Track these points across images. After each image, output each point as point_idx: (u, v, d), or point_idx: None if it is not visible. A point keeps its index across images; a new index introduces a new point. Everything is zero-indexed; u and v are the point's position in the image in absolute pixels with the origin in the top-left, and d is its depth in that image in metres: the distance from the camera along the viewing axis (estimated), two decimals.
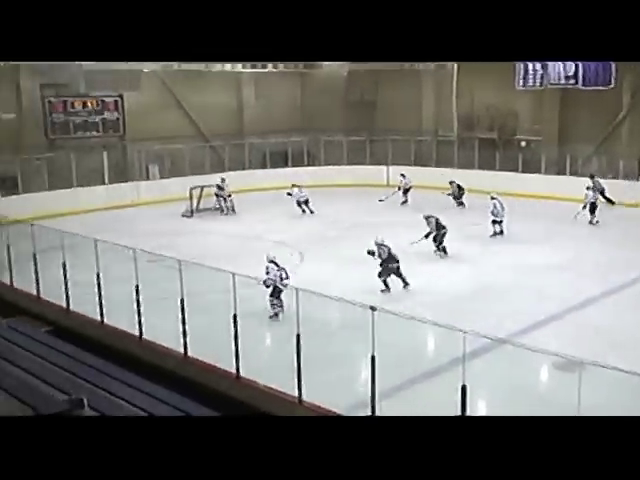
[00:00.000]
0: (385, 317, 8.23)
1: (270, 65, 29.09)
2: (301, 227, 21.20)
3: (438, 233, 17.09)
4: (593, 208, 20.81)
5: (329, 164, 29.22)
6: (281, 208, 23.46)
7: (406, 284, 14.44)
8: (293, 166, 28.94)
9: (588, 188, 21.22)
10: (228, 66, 28.50)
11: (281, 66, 29.43)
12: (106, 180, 25.58)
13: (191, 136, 28.98)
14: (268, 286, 12.65)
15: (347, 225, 21.18)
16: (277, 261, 12.97)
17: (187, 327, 10.57)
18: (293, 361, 8.99)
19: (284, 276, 12.64)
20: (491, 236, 19.26)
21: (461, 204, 23.68)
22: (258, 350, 11.58)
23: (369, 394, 8.39)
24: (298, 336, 8.93)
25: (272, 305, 12.74)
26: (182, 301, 10.60)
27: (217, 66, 27.97)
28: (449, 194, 23.65)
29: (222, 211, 23.96)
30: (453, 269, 16.35)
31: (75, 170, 24.76)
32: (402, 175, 25.28)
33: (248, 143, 29.56)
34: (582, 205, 20.82)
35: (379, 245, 14.44)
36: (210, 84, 29.37)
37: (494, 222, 19.25)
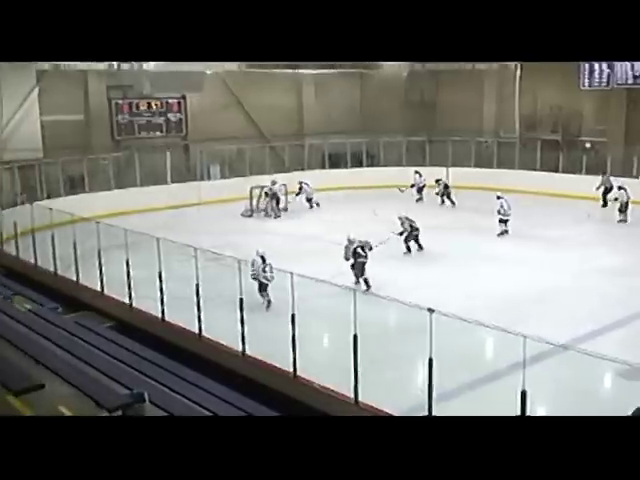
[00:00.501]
0: (443, 319, 8.09)
1: (330, 66, 29.12)
2: (360, 228, 21.06)
3: (410, 233, 17.76)
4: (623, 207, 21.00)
5: (388, 165, 29.06)
6: (340, 208, 23.38)
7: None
8: (352, 167, 28.90)
9: (620, 188, 21.07)
10: (289, 67, 28.65)
11: (341, 67, 29.42)
12: (168, 180, 26.01)
13: (252, 137, 29.24)
14: (254, 279, 13.32)
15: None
16: (266, 257, 13.59)
17: (246, 325, 10.61)
18: (350, 362, 8.92)
19: (268, 270, 13.27)
20: (499, 235, 19.62)
21: (443, 202, 24.52)
22: (315, 350, 11.57)
23: (426, 397, 8.27)
24: (355, 336, 8.88)
25: (262, 296, 13.45)
26: (241, 300, 10.66)
27: (278, 67, 28.16)
28: (436, 192, 24.50)
29: (267, 214, 23.95)
30: (511, 272, 16.08)
31: (139, 170, 25.28)
32: (417, 172, 25.78)
33: (308, 144, 29.70)
34: (617, 207, 20.89)
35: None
36: (271, 85, 29.61)
37: (501, 221, 19.65)
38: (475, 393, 9.82)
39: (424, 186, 25.46)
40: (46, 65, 23.17)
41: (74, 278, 14.73)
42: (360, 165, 29.08)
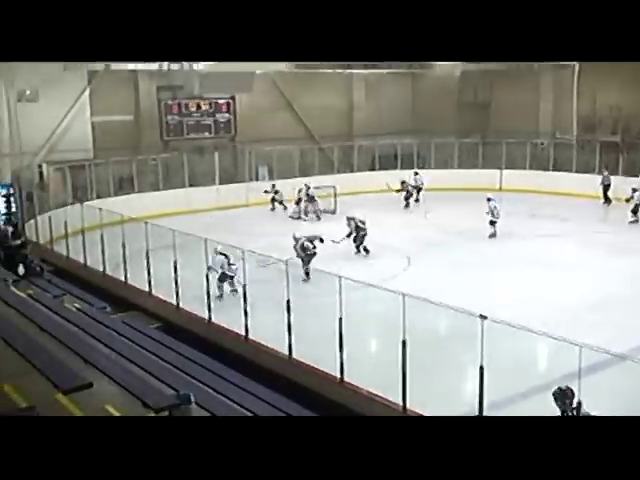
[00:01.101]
0: (495, 326, 7.87)
1: (382, 66, 28.79)
2: (409, 231, 20.79)
3: (357, 234, 17.83)
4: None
5: (440, 167, 28.61)
6: (389, 211, 23.13)
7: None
8: (402, 168, 28.56)
9: (635, 190, 20.60)
10: (339, 67, 28.45)
11: (392, 67, 29.01)
12: (217, 181, 26.05)
13: (300, 138, 29.10)
14: (216, 271, 13.89)
15: (456, 230, 20.62)
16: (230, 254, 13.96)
17: (292, 328, 10.55)
18: (398, 368, 8.79)
19: (231, 261, 13.87)
20: (490, 237, 19.50)
21: (407, 201, 24.65)
22: (363, 355, 11.40)
23: (476, 406, 8.09)
24: (404, 342, 8.74)
25: (218, 287, 14.04)
26: (288, 302, 10.57)
27: (328, 67, 27.97)
28: (398, 190, 24.45)
29: (298, 217, 23.77)
30: (568, 277, 15.57)
31: (187, 171, 25.38)
32: (416, 173, 25.67)
33: (357, 145, 29.43)
34: (631, 208, 20.55)
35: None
36: (321, 85, 29.47)
37: (491, 223, 19.55)
38: (528, 403, 9.46)
39: (421, 188, 25.45)
40: (98, 66, 23.41)
41: (122, 278, 14.89)
42: (411, 167, 28.69)
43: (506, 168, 26.98)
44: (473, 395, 8.23)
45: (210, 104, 27.37)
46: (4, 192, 21.77)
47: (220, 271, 13.99)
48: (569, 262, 16.64)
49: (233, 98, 27.61)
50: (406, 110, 31.58)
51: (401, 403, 8.80)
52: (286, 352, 10.60)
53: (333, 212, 24.33)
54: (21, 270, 14.31)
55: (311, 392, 9.69)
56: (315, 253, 15.65)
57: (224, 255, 14.04)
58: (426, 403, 8.78)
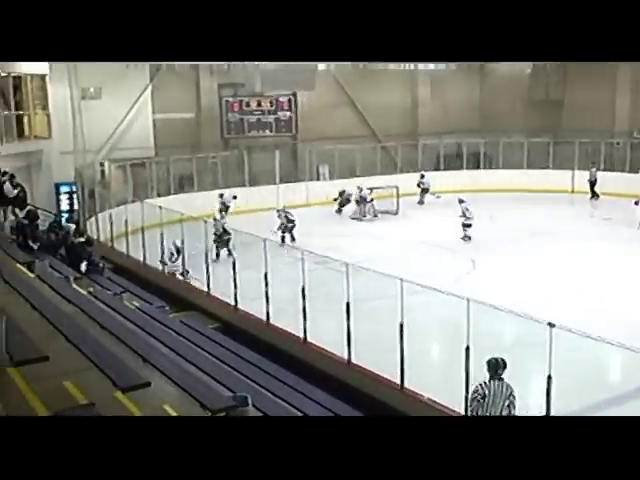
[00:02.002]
0: (565, 335, 7.58)
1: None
2: (472, 233, 20.13)
3: (287, 226, 19.51)
4: None
5: (507, 167, 27.79)
6: (453, 212, 22.55)
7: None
8: (468, 168, 27.79)
9: None
10: (404, 64, 27.86)
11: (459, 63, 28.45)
12: (277, 180, 25.81)
13: (363, 136, 28.66)
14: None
15: (522, 234, 19.91)
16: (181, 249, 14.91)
17: (352, 332, 10.29)
18: (461, 374, 8.45)
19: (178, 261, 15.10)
20: (463, 239, 19.53)
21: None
22: (423, 361, 11.09)
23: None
24: (467, 348, 8.41)
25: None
26: (348, 305, 10.30)
27: (392, 64, 27.42)
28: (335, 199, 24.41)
29: (358, 218, 23.66)
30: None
31: (248, 169, 25.17)
32: (422, 176, 25.52)
33: (421, 144, 28.87)
34: None
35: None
36: (384, 83, 28.96)
37: (464, 225, 19.62)
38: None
39: (428, 189, 25.26)
40: (160, 63, 23.46)
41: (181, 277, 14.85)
42: (477, 167, 27.85)
43: (579, 169, 26.00)
44: (540, 405, 7.95)
45: (271, 102, 27.18)
46: (67, 190, 22.06)
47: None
48: None
49: (294, 95, 27.32)
50: (473, 107, 30.78)
51: (462, 412, 8.39)
52: (345, 356, 10.34)
53: (395, 212, 24.00)
54: (83, 267, 14.30)
55: (370, 398, 9.47)
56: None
57: (177, 250, 15.04)
58: None
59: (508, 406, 7.56)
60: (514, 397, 7.60)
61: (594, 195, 25.09)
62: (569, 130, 27.25)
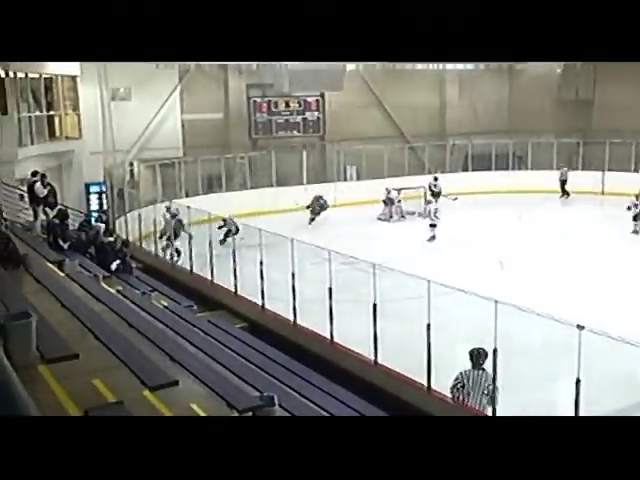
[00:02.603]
0: (595, 338, 7.41)
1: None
2: (503, 234, 19.97)
3: (233, 233, 18.23)
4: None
5: (537, 168, 27.46)
6: (482, 214, 22.43)
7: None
8: (497, 169, 27.54)
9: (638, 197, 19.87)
10: (432, 64, 27.72)
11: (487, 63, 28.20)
12: (304, 180, 25.79)
13: (391, 136, 28.50)
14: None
15: (551, 235, 19.68)
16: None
17: (379, 333, 10.19)
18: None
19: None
20: (429, 240, 19.97)
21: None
22: (451, 363, 10.81)
23: None
24: (495, 351, 8.19)
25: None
26: (374, 306, 10.22)
27: (420, 64, 27.29)
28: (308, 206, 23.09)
29: (385, 219, 23.63)
30: None
31: (275, 170, 25.23)
32: (435, 179, 25.03)
33: (450, 144, 28.65)
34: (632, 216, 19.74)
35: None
36: (412, 83, 28.87)
37: (431, 225, 20.17)
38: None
39: (440, 192, 24.65)
40: (189, 63, 23.59)
41: (209, 277, 14.81)
42: (506, 168, 27.60)
43: (609, 170, 25.62)
44: (569, 409, 7.72)
45: (299, 102, 27.19)
46: (97, 190, 22.29)
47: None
48: None
49: (322, 96, 27.29)
50: (502, 108, 30.46)
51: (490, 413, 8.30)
52: (371, 357, 10.28)
53: (423, 214, 23.76)
54: (114, 266, 14.46)
55: (397, 399, 9.40)
56: None
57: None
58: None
59: (487, 395, 7.93)
60: (496, 388, 7.92)
61: (564, 193, 25.75)
62: (599, 130, 26.85)
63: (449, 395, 8.53)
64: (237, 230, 18.19)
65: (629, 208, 20.24)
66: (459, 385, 8.16)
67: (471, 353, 8.18)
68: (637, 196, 20.27)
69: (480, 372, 8.08)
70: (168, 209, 17.62)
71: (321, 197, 23.18)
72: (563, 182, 25.85)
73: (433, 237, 20.08)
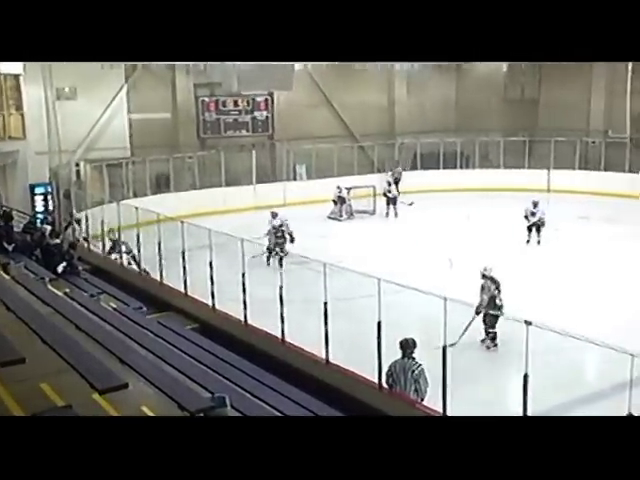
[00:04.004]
0: (542, 333, 7.53)
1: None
2: (451, 233, 20.21)
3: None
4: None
5: (484, 167, 27.96)
6: (431, 213, 22.68)
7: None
8: (444, 168, 27.89)
9: None
10: (380, 63, 27.86)
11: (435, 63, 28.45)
12: (254, 180, 25.72)
13: (340, 135, 28.59)
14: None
15: (497, 232, 20.02)
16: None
17: (331, 332, 10.16)
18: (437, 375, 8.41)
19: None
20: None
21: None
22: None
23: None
24: (444, 348, 8.32)
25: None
26: (325, 305, 10.20)
27: (369, 64, 27.44)
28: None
29: (335, 218, 23.77)
30: (622, 285, 14.95)
31: (225, 169, 25.11)
32: (389, 183, 24.79)
33: (399, 143, 28.90)
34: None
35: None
36: (361, 82, 28.92)
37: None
38: (571, 414, 8.90)
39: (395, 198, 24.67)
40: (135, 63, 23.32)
41: (158, 278, 14.62)
42: (454, 166, 27.97)
43: (555, 168, 26.19)
44: (517, 404, 7.88)
45: (248, 102, 27.11)
46: (42, 191, 21.84)
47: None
48: (623, 267, 16.04)
49: (271, 95, 27.27)
50: (450, 107, 30.83)
51: (441, 411, 8.39)
52: (324, 356, 10.25)
53: (372, 212, 24.00)
54: (60, 269, 14.16)
55: (349, 397, 9.40)
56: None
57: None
58: (465, 412, 8.23)
59: (415, 382, 8.39)
60: (425, 378, 8.38)
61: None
62: (544, 129, 27.46)
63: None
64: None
65: (526, 217, 19.27)
66: (389, 373, 8.60)
67: (401, 343, 8.59)
68: (535, 203, 19.48)
69: (408, 361, 8.50)
70: None
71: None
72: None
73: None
